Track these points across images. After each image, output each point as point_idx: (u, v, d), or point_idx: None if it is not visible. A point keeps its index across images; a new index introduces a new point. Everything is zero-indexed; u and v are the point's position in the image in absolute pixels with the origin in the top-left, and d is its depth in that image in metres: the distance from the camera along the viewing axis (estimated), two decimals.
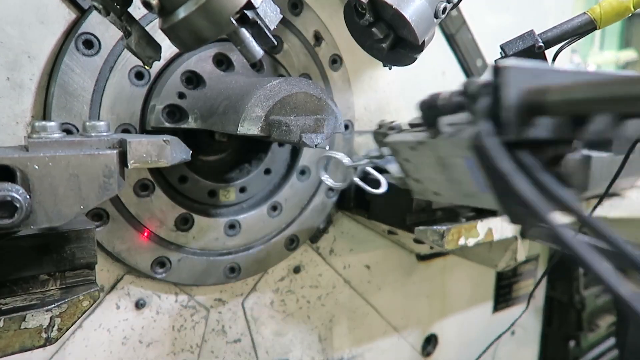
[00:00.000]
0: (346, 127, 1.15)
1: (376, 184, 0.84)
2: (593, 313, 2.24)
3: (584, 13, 0.75)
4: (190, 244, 0.98)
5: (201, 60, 0.92)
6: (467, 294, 1.63)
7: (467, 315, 1.64)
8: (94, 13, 0.80)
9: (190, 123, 0.89)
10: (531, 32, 0.74)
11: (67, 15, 0.81)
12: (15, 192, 0.51)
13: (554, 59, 0.78)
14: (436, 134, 0.54)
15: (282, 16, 0.63)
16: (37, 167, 0.53)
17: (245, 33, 0.59)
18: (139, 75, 0.87)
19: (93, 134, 0.60)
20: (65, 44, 0.81)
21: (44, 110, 0.81)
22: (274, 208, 1.09)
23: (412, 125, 0.66)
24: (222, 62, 0.95)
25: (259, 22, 0.59)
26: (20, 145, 0.68)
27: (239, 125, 0.81)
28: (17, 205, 0.51)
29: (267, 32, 0.60)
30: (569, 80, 0.42)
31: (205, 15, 0.56)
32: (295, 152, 1.11)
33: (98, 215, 0.86)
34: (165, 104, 0.88)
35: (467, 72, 1.38)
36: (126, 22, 0.62)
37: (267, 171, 1.09)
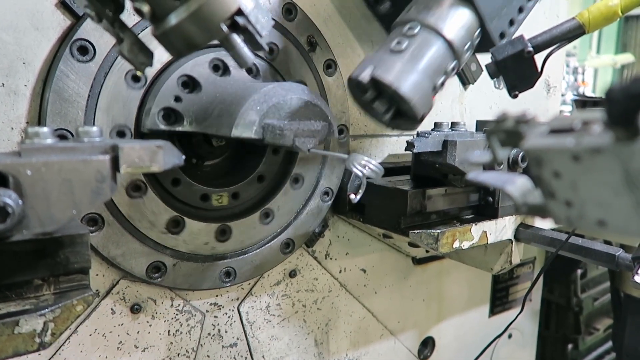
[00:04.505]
0: (341, 131, 1.15)
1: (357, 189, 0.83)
2: (591, 316, 2.24)
3: (573, 18, 0.76)
4: (180, 247, 0.98)
5: (197, 65, 0.92)
6: (464, 297, 1.63)
7: (464, 319, 1.65)
8: (89, 19, 0.81)
9: (185, 126, 0.89)
10: (521, 37, 0.75)
11: (62, 21, 0.82)
12: (7, 197, 0.51)
13: (543, 64, 0.78)
14: (633, 137, 0.38)
15: (273, 22, 0.64)
16: (29, 172, 0.54)
17: (236, 39, 0.60)
18: (136, 78, 0.88)
19: (86, 140, 0.61)
20: (60, 50, 0.81)
21: (39, 116, 0.82)
22: (267, 215, 1.08)
23: (559, 126, 0.46)
24: (219, 67, 0.96)
25: (250, 28, 0.60)
26: (13, 150, 0.69)
27: (232, 128, 0.82)
28: (10, 210, 0.51)
29: (257, 38, 0.60)
30: None
31: (196, 22, 0.56)
32: (290, 160, 1.11)
33: (93, 220, 0.87)
34: (160, 107, 0.89)
35: (461, 76, 1.39)
36: (118, 29, 0.63)
37: (261, 178, 1.08)
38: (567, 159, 0.43)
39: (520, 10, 0.82)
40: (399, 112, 0.81)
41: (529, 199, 0.50)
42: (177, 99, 0.90)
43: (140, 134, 0.90)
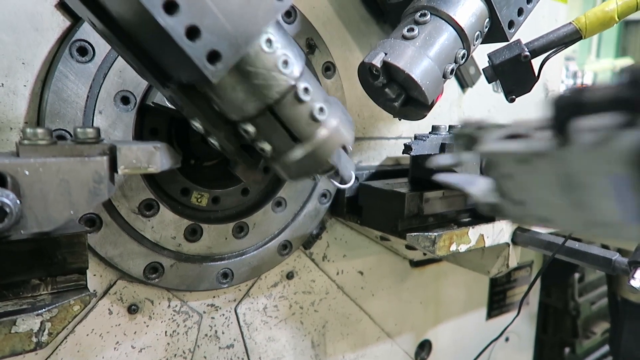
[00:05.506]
0: None
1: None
2: (588, 320, 2.24)
3: (570, 23, 0.77)
4: (146, 233, 0.94)
5: None
6: (461, 300, 1.63)
7: (461, 322, 1.65)
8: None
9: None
10: (518, 42, 0.76)
11: (62, 22, 0.82)
12: (5, 197, 0.52)
13: (540, 68, 0.79)
14: (567, 143, 0.40)
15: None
16: (27, 172, 0.54)
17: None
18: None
19: (84, 140, 0.61)
20: (59, 50, 0.81)
21: (37, 117, 0.82)
22: (240, 229, 1.07)
23: (514, 132, 0.50)
24: None
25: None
26: (11, 151, 0.69)
27: None
28: (7, 210, 0.51)
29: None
30: None
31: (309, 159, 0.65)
32: (277, 182, 1.10)
33: (91, 220, 0.87)
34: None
35: (460, 79, 1.39)
36: (237, 156, 0.69)
37: (245, 191, 1.08)
38: (513, 161, 0.47)
39: (529, 0, 0.85)
40: (408, 101, 0.83)
41: (488, 199, 0.53)
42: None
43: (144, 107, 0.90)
